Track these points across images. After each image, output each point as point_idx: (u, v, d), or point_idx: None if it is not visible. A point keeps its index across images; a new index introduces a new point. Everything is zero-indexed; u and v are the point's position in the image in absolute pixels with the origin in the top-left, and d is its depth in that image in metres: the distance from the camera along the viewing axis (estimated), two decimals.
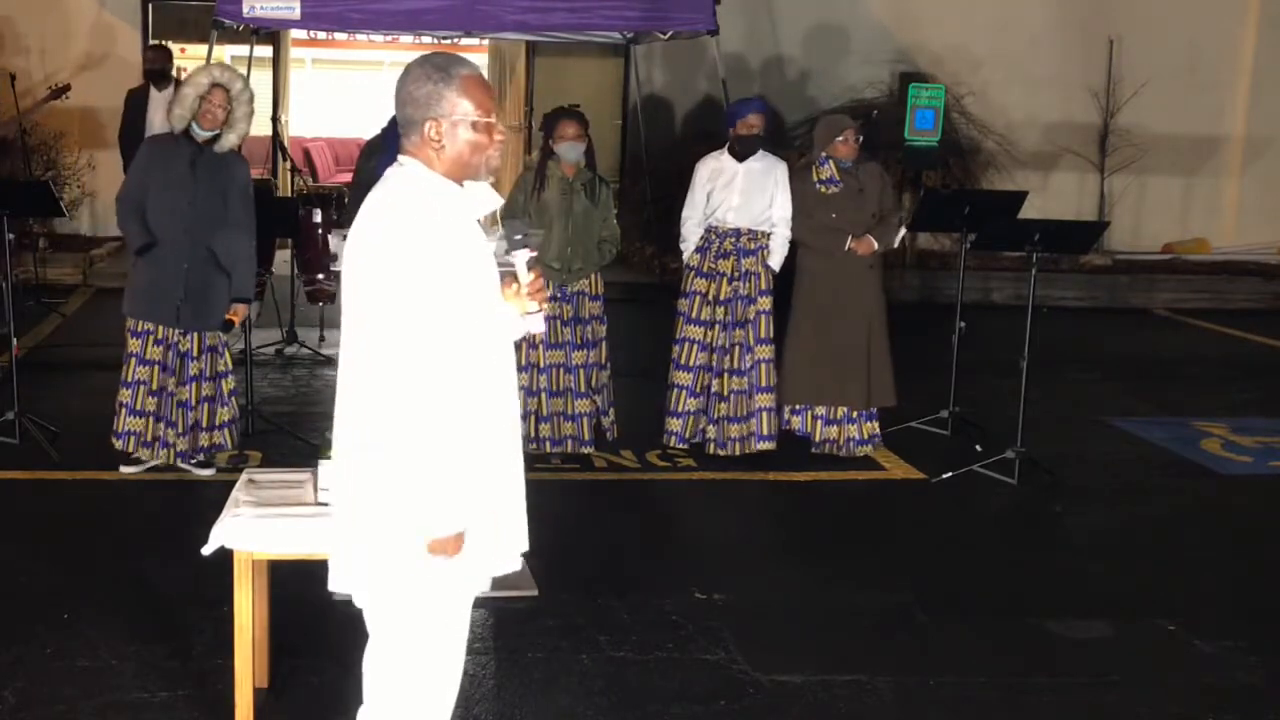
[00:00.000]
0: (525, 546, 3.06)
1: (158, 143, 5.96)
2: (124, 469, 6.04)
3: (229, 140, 5.80)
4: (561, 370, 6.41)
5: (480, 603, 4.73)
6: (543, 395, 6.38)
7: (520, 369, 6.38)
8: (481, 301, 2.82)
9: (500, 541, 2.96)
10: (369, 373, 2.73)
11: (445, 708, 3.04)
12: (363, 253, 2.75)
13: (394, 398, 2.70)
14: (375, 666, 2.98)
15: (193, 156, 5.75)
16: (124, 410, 5.92)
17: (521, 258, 2.94)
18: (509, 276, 2.98)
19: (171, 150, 5.79)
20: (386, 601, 2.89)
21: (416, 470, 2.72)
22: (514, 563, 3.02)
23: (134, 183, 5.87)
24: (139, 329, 5.89)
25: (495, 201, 2.95)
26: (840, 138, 6.52)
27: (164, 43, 11.27)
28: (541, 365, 6.36)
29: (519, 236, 2.94)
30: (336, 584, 2.96)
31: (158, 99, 10.04)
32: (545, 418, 6.41)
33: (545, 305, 2.99)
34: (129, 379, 5.90)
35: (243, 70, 6.71)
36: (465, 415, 2.77)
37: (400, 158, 2.86)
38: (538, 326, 3.03)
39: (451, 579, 2.87)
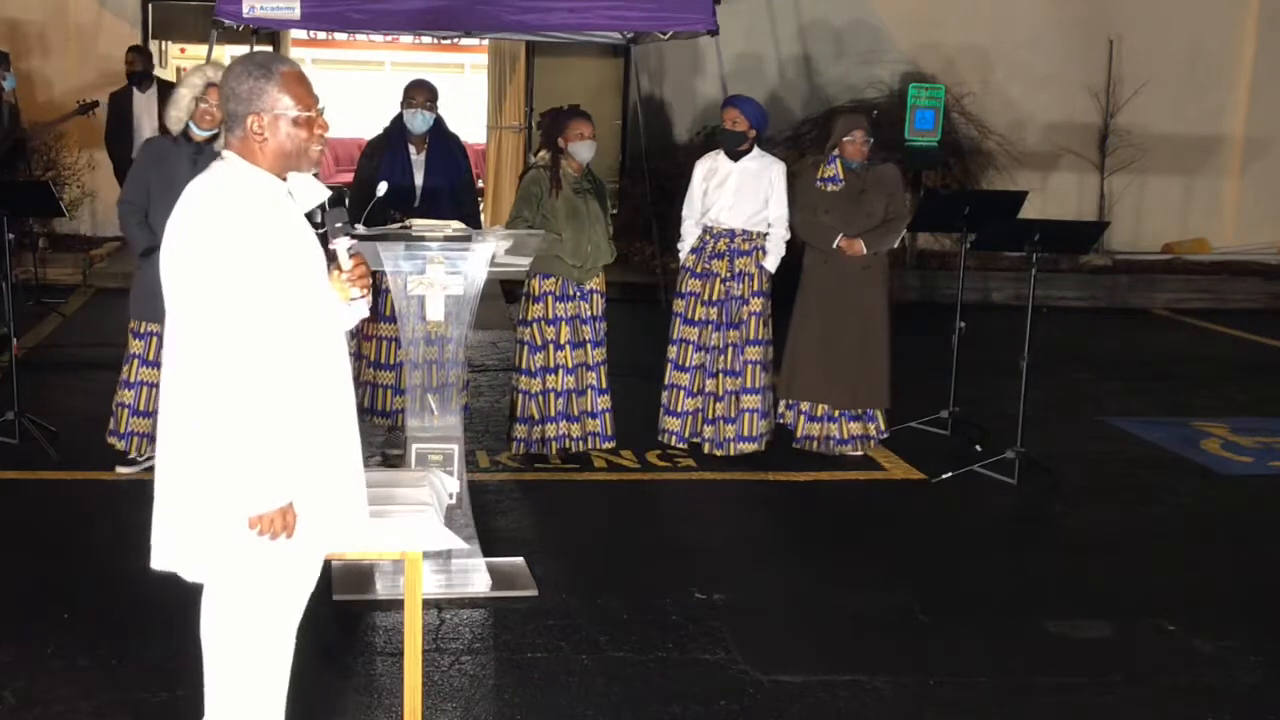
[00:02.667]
0: (364, 528, 3.15)
1: (156, 146, 5.94)
2: (120, 469, 6.03)
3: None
4: (583, 368, 6.41)
5: (480, 603, 4.75)
6: (571, 395, 6.38)
7: (548, 371, 6.35)
8: (299, 287, 2.90)
9: (333, 518, 3.03)
10: (185, 360, 2.84)
11: (279, 683, 3.11)
12: (175, 242, 2.86)
13: (208, 382, 2.81)
14: (212, 639, 3.04)
15: (194, 156, 5.75)
16: (126, 411, 5.92)
17: (343, 244, 3.01)
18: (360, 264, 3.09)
19: (172, 152, 5.79)
20: (224, 575, 2.98)
21: (232, 449, 2.82)
22: (349, 538, 3.11)
23: (136, 186, 5.87)
24: (143, 330, 5.88)
25: (321, 193, 3.04)
26: (849, 138, 6.50)
27: (143, 45, 11.26)
28: (569, 366, 6.35)
29: (339, 224, 3.01)
30: (159, 562, 3.01)
31: (141, 100, 10.06)
32: (575, 418, 6.40)
33: (367, 292, 3.09)
34: (133, 380, 5.90)
35: None
36: (283, 395, 2.86)
37: (224, 151, 2.98)
38: (361, 313, 3.13)
39: (283, 554, 2.94)
